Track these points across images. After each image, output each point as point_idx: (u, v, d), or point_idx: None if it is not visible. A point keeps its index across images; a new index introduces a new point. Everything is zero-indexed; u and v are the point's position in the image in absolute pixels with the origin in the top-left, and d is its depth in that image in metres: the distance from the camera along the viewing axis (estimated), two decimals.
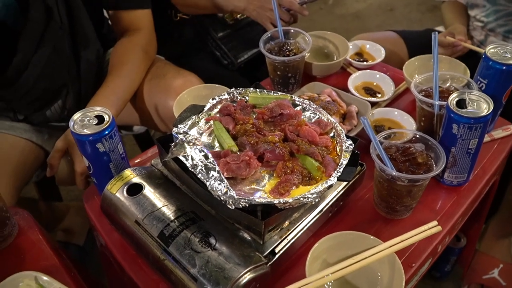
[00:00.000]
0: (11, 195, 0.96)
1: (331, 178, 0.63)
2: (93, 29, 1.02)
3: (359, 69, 1.06)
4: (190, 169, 0.61)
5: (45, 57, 0.94)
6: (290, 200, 0.59)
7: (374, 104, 0.95)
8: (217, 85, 0.94)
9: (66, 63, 1.00)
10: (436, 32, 0.77)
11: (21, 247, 0.71)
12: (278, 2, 1.09)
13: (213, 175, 0.61)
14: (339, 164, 0.65)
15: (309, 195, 0.61)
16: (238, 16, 1.32)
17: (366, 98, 0.94)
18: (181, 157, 0.62)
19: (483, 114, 0.68)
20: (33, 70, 0.94)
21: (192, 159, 0.62)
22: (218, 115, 0.74)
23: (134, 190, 0.68)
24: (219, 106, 0.76)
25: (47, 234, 0.76)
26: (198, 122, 0.73)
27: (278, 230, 0.65)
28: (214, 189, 0.60)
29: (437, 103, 0.76)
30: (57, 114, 1.10)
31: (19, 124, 1.09)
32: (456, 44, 1.17)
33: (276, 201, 0.59)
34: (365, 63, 1.07)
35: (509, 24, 1.22)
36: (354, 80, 1.00)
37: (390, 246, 0.62)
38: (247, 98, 0.78)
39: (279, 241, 0.64)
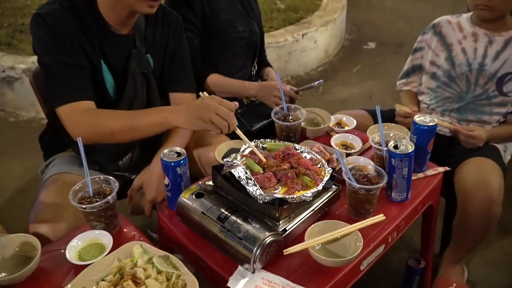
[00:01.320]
0: None
1: (319, 187, 1.07)
2: (159, 104, 1.51)
3: (338, 133, 1.53)
4: (237, 178, 1.05)
5: None
6: (295, 196, 1.03)
7: (348, 155, 1.41)
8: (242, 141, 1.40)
9: None
10: (378, 105, 1.26)
11: (124, 233, 1.12)
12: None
13: (250, 183, 1.05)
14: (323, 180, 1.10)
15: (306, 195, 1.04)
16: (252, 98, 1.84)
17: (343, 151, 1.40)
18: (232, 171, 1.06)
19: (408, 151, 1.14)
20: None
21: (238, 173, 1.06)
22: (248, 154, 1.20)
23: (199, 195, 1.11)
24: (249, 149, 1.21)
25: None
26: (236, 157, 1.18)
27: (287, 219, 1.07)
28: (251, 190, 1.03)
29: (384, 148, 1.22)
30: (126, 164, 1.54)
31: (94, 172, 1.52)
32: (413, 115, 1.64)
33: (287, 196, 1.03)
34: (342, 129, 1.56)
35: (444, 105, 1.74)
36: (335, 139, 1.47)
37: (354, 227, 1.04)
38: (265, 145, 1.24)
39: (288, 225, 1.05)
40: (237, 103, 1.19)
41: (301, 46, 3.65)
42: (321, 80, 1.80)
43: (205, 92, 1.21)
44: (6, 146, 2.85)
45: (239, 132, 1.19)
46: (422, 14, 5.02)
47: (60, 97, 1.26)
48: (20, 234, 1.05)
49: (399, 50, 4.05)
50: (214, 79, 1.74)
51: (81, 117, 1.25)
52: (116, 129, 1.24)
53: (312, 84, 1.74)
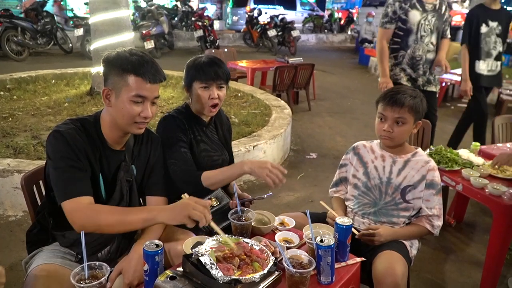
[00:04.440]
0: None
1: (265, 270, 1.43)
2: (139, 204, 1.85)
3: (281, 230, 1.93)
4: (203, 264, 1.39)
5: None
6: (247, 277, 1.37)
7: (288, 248, 1.78)
8: (206, 237, 1.75)
9: None
10: (308, 210, 1.69)
11: None
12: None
13: (213, 267, 1.39)
14: (268, 265, 1.46)
15: (255, 276, 1.39)
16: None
17: (284, 245, 1.78)
18: (200, 258, 1.40)
19: (331, 244, 1.54)
20: None
21: (205, 260, 1.40)
22: (211, 247, 1.55)
23: (172, 278, 1.42)
24: (211, 243, 1.56)
25: None
26: (202, 248, 1.52)
27: None
28: (214, 273, 1.37)
29: (313, 242, 1.62)
30: (104, 256, 1.82)
31: (74, 263, 1.78)
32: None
33: (241, 277, 1.37)
34: (284, 227, 1.95)
35: (364, 209, 2.21)
36: (278, 236, 1.85)
37: None
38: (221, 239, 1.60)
39: None
40: (209, 201, 1.57)
41: (252, 155, 4.16)
42: (271, 193, 2.23)
43: (186, 194, 1.59)
44: None
45: (213, 224, 1.55)
46: (356, 131, 5.87)
47: (67, 192, 1.57)
48: None
49: (336, 162, 4.66)
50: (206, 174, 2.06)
51: (83, 210, 1.56)
52: (112, 223, 1.55)
53: (263, 196, 2.16)
